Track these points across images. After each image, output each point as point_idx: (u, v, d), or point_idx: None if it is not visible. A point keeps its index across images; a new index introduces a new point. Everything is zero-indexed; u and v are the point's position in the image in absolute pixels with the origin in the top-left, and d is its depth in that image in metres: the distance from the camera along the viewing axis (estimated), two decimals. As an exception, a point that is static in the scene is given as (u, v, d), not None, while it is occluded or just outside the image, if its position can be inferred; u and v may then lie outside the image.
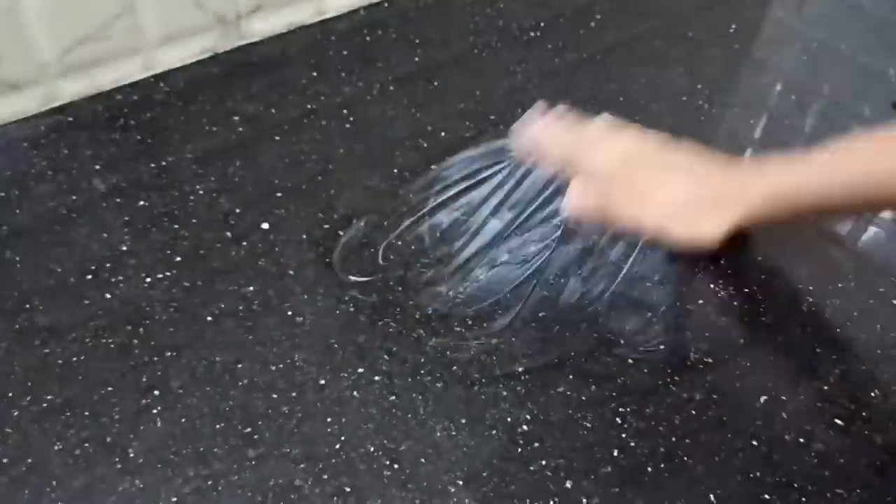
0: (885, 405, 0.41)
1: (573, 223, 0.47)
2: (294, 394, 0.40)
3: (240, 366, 0.41)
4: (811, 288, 0.47)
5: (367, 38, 0.65)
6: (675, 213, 0.44)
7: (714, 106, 0.62)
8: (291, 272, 0.46)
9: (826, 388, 0.42)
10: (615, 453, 0.38)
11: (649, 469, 0.38)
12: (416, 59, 0.63)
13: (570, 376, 0.42)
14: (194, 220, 0.49)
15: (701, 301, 0.46)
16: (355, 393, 0.40)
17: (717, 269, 0.48)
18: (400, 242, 0.48)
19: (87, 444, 0.37)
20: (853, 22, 0.73)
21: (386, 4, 0.69)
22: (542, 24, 0.68)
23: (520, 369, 0.42)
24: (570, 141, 0.48)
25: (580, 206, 0.46)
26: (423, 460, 0.38)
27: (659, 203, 0.44)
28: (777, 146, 0.59)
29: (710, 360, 0.43)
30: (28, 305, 0.43)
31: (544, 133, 0.50)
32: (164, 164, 0.52)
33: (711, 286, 0.47)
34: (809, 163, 0.43)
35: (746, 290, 0.47)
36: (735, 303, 0.46)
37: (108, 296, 0.44)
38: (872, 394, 0.42)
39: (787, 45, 0.69)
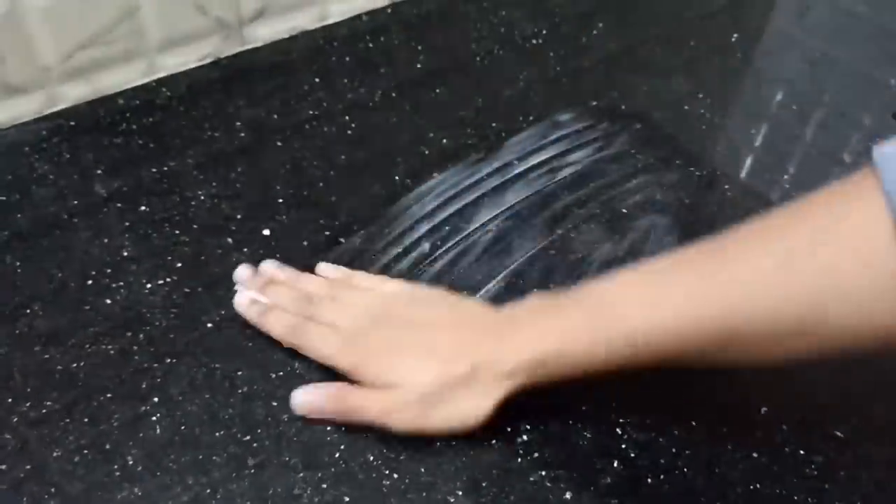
0: (887, 418, 0.41)
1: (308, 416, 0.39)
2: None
3: (240, 373, 0.41)
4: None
5: (370, 45, 0.65)
6: (427, 398, 0.37)
7: (715, 115, 0.62)
8: (292, 279, 0.46)
9: (827, 400, 0.42)
10: (615, 464, 0.38)
11: (649, 481, 0.38)
12: (419, 65, 0.63)
13: (570, 387, 0.42)
14: (195, 226, 0.49)
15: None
16: (355, 401, 0.40)
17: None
18: (400, 250, 0.48)
19: (85, 451, 0.37)
20: (854, 31, 0.73)
21: (388, 11, 0.69)
22: (544, 32, 0.68)
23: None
24: (294, 309, 0.42)
25: (316, 405, 0.39)
26: (422, 470, 0.37)
27: (405, 392, 0.37)
28: (778, 155, 0.59)
29: (711, 373, 0.43)
30: (28, 310, 0.43)
31: (268, 295, 0.43)
32: (165, 169, 0.52)
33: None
34: (586, 307, 0.37)
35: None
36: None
37: (109, 301, 0.44)
38: (874, 406, 0.42)
39: (789, 55, 0.69)
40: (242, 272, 0.45)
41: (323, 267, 0.46)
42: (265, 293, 0.43)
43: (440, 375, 0.37)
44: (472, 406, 0.37)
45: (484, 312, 0.41)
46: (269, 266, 0.45)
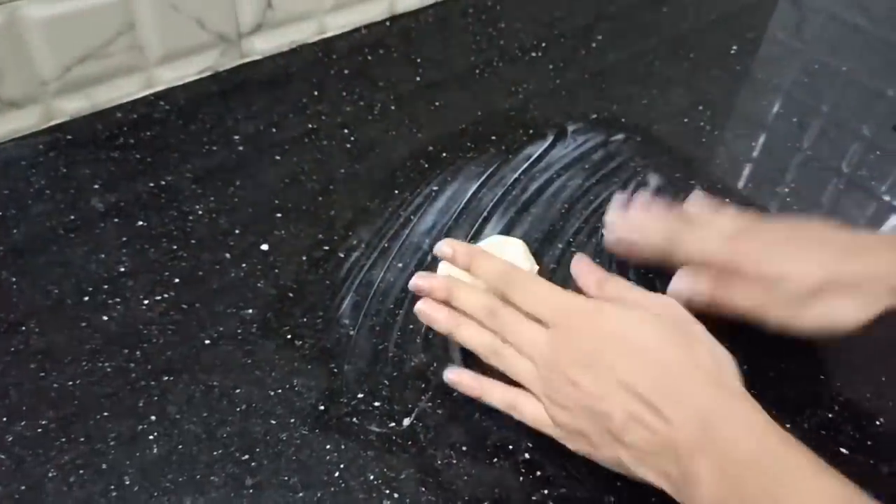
0: (891, 433, 0.41)
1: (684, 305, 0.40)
2: (293, 420, 0.39)
3: (238, 390, 0.41)
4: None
5: (369, 58, 0.65)
6: (808, 294, 0.38)
7: (715, 126, 0.62)
8: (291, 294, 0.46)
9: (830, 416, 0.42)
10: (618, 483, 0.38)
11: (653, 499, 0.37)
12: (418, 78, 0.63)
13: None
14: (193, 241, 0.48)
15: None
16: (355, 419, 0.40)
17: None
18: (400, 264, 0.48)
19: (81, 471, 0.37)
20: (852, 42, 0.73)
21: (387, 24, 0.69)
22: (544, 44, 0.68)
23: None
24: (670, 223, 0.44)
25: (692, 293, 0.41)
26: (423, 489, 0.37)
27: (788, 283, 0.38)
28: (776, 166, 0.59)
29: (713, 387, 0.42)
30: (24, 327, 0.43)
31: (641, 217, 0.45)
32: (163, 183, 0.52)
33: (713, 313, 0.47)
34: None
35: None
36: (737, 330, 0.46)
37: (105, 318, 0.44)
38: (878, 422, 0.41)
39: (787, 66, 0.69)
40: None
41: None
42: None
43: (829, 268, 0.38)
44: (856, 309, 0.38)
45: (859, 233, 0.41)
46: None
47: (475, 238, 0.50)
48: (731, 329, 0.46)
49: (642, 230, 0.45)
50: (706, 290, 0.41)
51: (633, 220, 0.46)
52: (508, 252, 0.45)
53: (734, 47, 0.71)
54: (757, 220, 0.43)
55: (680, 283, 0.42)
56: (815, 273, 0.38)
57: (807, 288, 0.38)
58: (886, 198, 0.57)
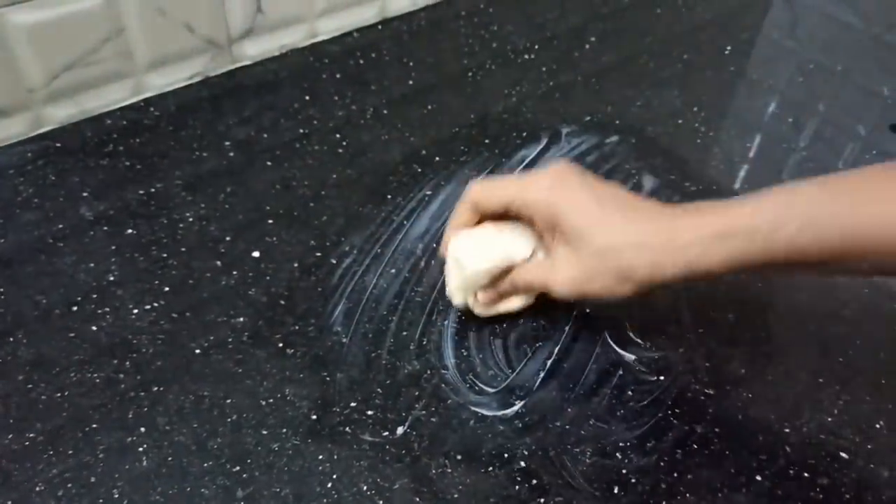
0: (891, 437, 0.40)
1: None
2: (285, 430, 0.39)
3: (229, 401, 0.40)
4: (813, 316, 0.47)
5: (360, 61, 0.65)
6: (583, 276, 0.39)
7: (710, 127, 0.61)
8: (283, 302, 0.45)
9: (830, 419, 0.41)
10: (615, 490, 0.37)
11: (651, 506, 0.37)
12: (410, 81, 0.63)
13: (568, 410, 0.41)
14: (183, 249, 0.48)
15: (701, 331, 0.45)
16: (348, 429, 0.39)
17: (717, 297, 0.47)
18: (393, 270, 0.47)
19: (69, 484, 0.36)
20: (846, 41, 0.73)
21: (379, 27, 0.69)
22: (537, 47, 0.68)
23: (517, 404, 0.41)
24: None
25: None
26: (417, 499, 0.36)
27: (559, 259, 0.40)
28: (772, 166, 0.58)
29: (711, 392, 0.42)
30: (11, 338, 0.42)
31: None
32: (153, 190, 0.52)
33: (711, 314, 0.46)
34: (749, 209, 0.36)
35: (747, 318, 0.46)
36: (736, 332, 0.45)
37: (94, 328, 0.43)
38: (878, 425, 0.41)
39: (782, 66, 0.69)
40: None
41: None
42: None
43: (600, 233, 0.38)
44: (623, 283, 0.38)
45: (652, 205, 0.40)
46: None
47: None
48: (731, 329, 0.45)
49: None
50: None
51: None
52: (507, 230, 0.45)
53: (728, 48, 0.70)
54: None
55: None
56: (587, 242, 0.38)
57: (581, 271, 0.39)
58: (883, 198, 0.56)
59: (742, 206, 0.36)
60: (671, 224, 0.37)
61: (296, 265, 0.47)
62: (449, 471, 0.37)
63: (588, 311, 0.46)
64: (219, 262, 0.47)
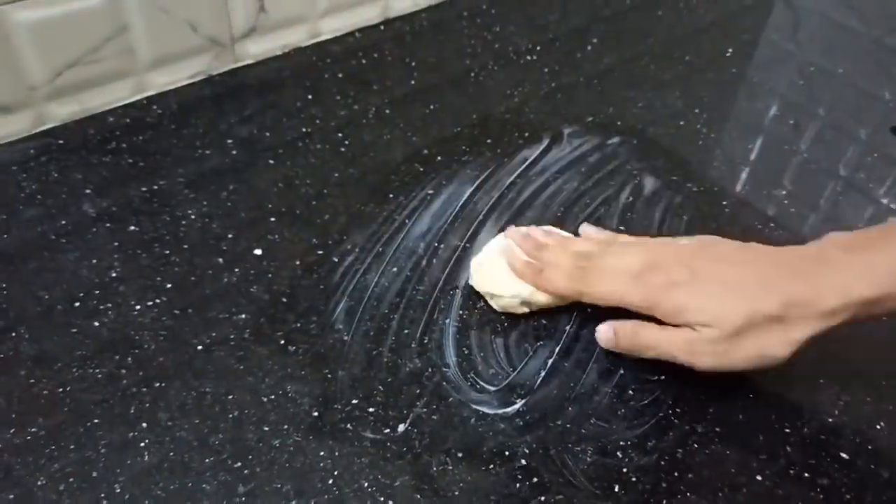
0: (892, 438, 0.40)
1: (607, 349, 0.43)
2: (286, 426, 0.39)
3: (231, 397, 0.40)
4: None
5: (363, 61, 0.65)
6: (733, 336, 0.37)
7: (711, 129, 0.62)
8: (285, 300, 0.45)
9: (830, 420, 0.41)
10: (616, 489, 0.37)
11: (651, 505, 0.37)
12: (412, 81, 0.63)
13: (569, 408, 0.41)
14: (186, 246, 0.48)
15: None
16: (349, 425, 0.39)
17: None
18: (395, 269, 0.48)
19: (71, 479, 0.36)
20: (848, 44, 0.73)
21: (381, 27, 0.69)
22: (538, 48, 0.68)
23: (518, 402, 0.41)
24: (568, 271, 0.43)
25: (611, 344, 0.42)
26: (418, 496, 0.36)
27: (711, 331, 0.37)
28: (773, 169, 0.59)
29: (712, 392, 0.42)
30: (13, 333, 0.42)
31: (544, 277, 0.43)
32: (155, 187, 0.52)
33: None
34: (890, 251, 0.36)
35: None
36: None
37: (96, 324, 0.43)
38: (878, 426, 0.41)
39: (783, 68, 0.69)
40: (514, 234, 0.46)
41: (586, 228, 0.47)
42: (539, 257, 0.44)
43: (749, 314, 0.37)
44: (779, 343, 0.37)
45: (782, 250, 0.39)
46: (537, 231, 0.46)
47: (472, 241, 0.50)
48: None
49: (545, 284, 0.43)
50: (623, 342, 0.41)
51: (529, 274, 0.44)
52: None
53: (730, 50, 0.70)
54: (654, 249, 0.41)
55: (599, 335, 0.43)
56: (737, 315, 0.37)
57: (730, 332, 0.37)
58: (884, 200, 0.57)
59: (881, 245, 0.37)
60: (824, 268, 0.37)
61: (298, 263, 0.47)
62: (450, 468, 0.38)
63: (589, 310, 0.46)
64: (221, 260, 0.47)
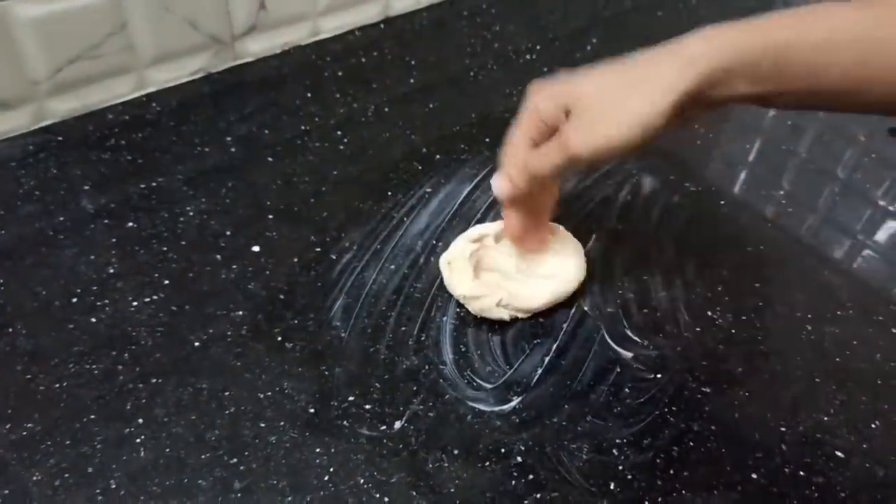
0: (887, 436, 0.40)
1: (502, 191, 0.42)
2: (282, 423, 0.39)
3: (227, 393, 0.40)
4: (809, 316, 0.47)
5: (363, 60, 0.65)
6: (596, 116, 0.37)
7: (709, 129, 0.62)
8: (282, 296, 0.45)
9: (826, 419, 0.41)
10: (611, 486, 0.37)
11: (646, 502, 0.37)
12: (412, 80, 0.63)
13: (566, 406, 0.41)
14: (184, 242, 0.48)
15: (698, 330, 0.45)
16: (346, 422, 0.39)
17: (715, 296, 0.47)
18: (393, 266, 0.48)
19: (67, 475, 0.36)
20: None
21: (381, 26, 0.69)
22: (538, 48, 0.68)
23: (515, 399, 0.41)
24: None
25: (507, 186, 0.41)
26: (414, 493, 0.36)
27: (580, 102, 0.38)
28: (772, 170, 0.59)
29: (707, 390, 0.42)
30: (10, 329, 0.42)
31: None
32: (154, 184, 0.52)
33: (708, 314, 0.46)
34: (771, 20, 0.35)
35: (744, 317, 0.46)
36: (733, 331, 0.45)
37: (94, 320, 0.43)
38: (873, 425, 0.41)
39: (782, 70, 0.69)
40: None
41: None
42: (510, 160, 0.42)
43: (611, 77, 0.37)
44: (649, 102, 0.36)
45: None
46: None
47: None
48: (727, 328, 0.45)
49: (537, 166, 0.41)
50: (517, 179, 0.41)
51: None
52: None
53: (729, 51, 0.70)
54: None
55: (494, 189, 0.43)
56: (597, 88, 0.38)
57: (594, 103, 0.37)
58: (882, 202, 0.57)
59: (752, 23, 0.36)
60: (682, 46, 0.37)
61: (295, 260, 0.47)
62: (446, 465, 0.38)
63: (586, 308, 0.46)
64: (219, 257, 0.47)
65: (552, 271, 0.46)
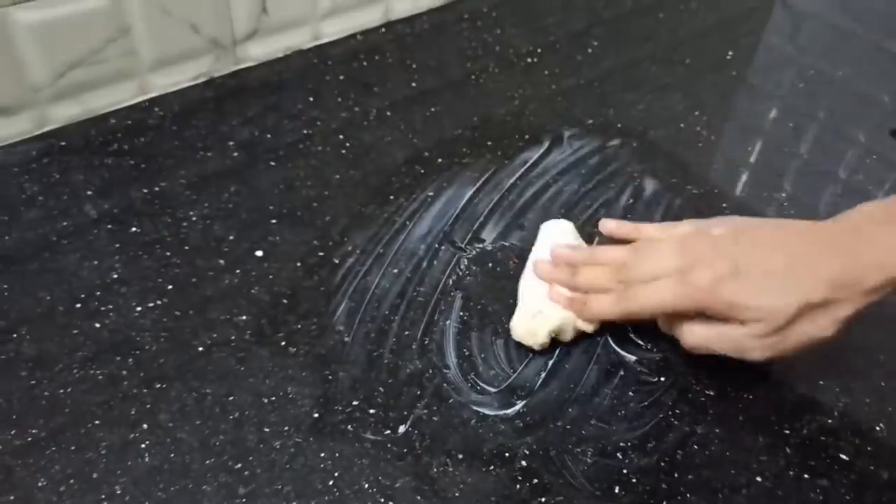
0: (891, 439, 0.41)
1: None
2: (287, 428, 0.39)
3: (231, 398, 0.40)
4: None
5: (364, 63, 0.65)
6: (785, 326, 0.37)
7: (711, 132, 0.62)
8: (285, 301, 0.45)
9: (830, 422, 0.41)
10: (616, 490, 0.37)
11: (651, 506, 0.37)
12: (413, 84, 0.63)
13: (570, 410, 0.41)
14: (187, 247, 0.48)
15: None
16: (349, 427, 0.39)
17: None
18: (395, 270, 0.48)
19: (72, 480, 0.36)
20: (847, 48, 0.74)
21: (383, 30, 0.69)
22: (539, 51, 0.68)
23: (519, 403, 0.41)
24: (609, 286, 0.42)
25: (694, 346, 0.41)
26: (418, 497, 0.37)
27: (763, 324, 0.38)
28: (773, 171, 0.59)
29: (711, 393, 0.42)
30: (14, 335, 0.42)
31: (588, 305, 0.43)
32: (156, 189, 0.52)
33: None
34: None
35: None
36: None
37: (97, 325, 0.43)
38: (877, 427, 0.41)
39: (783, 72, 0.69)
40: (544, 269, 0.44)
41: (607, 224, 0.47)
42: (576, 285, 0.43)
43: (799, 306, 0.37)
44: (826, 325, 0.37)
45: (817, 226, 0.39)
46: (563, 251, 0.45)
47: (472, 243, 0.50)
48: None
49: (594, 314, 0.43)
50: (686, 343, 0.41)
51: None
52: (559, 230, 0.47)
53: (730, 53, 0.71)
54: (690, 244, 0.40)
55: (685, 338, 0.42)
56: (789, 307, 0.37)
57: (782, 324, 0.37)
58: (883, 203, 0.57)
59: None
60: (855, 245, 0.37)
61: (298, 264, 0.47)
62: (450, 469, 0.38)
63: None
64: (222, 261, 0.47)
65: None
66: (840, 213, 0.40)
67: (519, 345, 0.44)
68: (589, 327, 0.43)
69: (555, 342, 0.43)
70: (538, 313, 0.43)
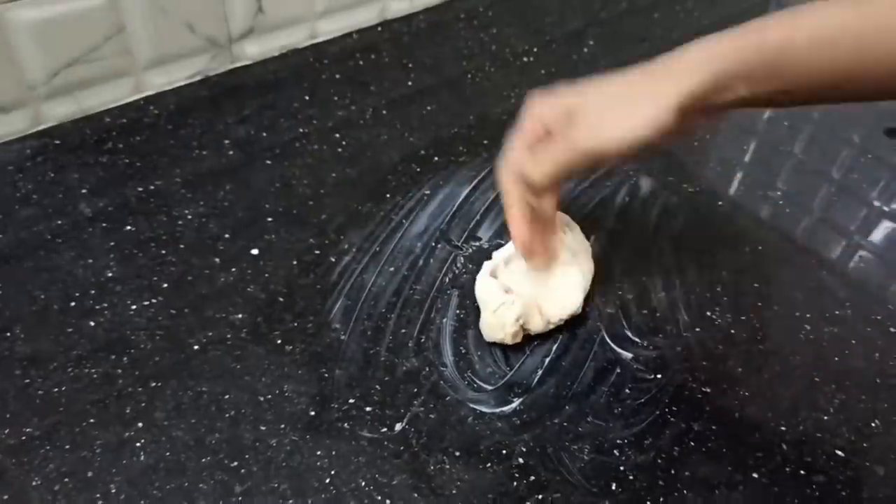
0: (887, 435, 0.41)
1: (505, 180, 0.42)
2: (283, 426, 0.39)
3: (227, 396, 0.40)
4: (808, 316, 0.47)
5: (360, 62, 0.65)
6: (603, 116, 0.38)
7: (706, 131, 0.62)
8: (281, 299, 0.45)
9: (826, 418, 0.41)
10: (613, 487, 0.37)
11: (647, 503, 0.37)
12: (409, 82, 0.63)
13: (566, 407, 0.41)
14: (182, 246, 0.48)
15: (698, 330, 0.45)
16: (346, 425, 0.39)
17: (714, 297, 0.47)
18: (392, 268, 0.48)
19: (66, 479, 0.36)
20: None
21: (379, 28, 0.69)
22: (535, 50, 0.69)
23: (515, 401, 0.41)
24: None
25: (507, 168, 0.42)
26: (415, 495, 0.36)
27: (587, 118, 0.39)
28: (767, 170, 0.59)
29: (707, 390, 0.42)
30: (9, 333, 0.42)
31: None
32: (152, 187, 0.52)
33: (708, 314, 0.46)
34: (765, 23, 0.37)
35: (743, 318, 0.46)
36: (732, 331, 0.46)
37: (92, 323, 0.43)
38: (873, 424, 0.41)
39: (778, 72, 0.70)
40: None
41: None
42: (514, 168, 0.42)
43: (615, 85, 0.39)
44: (655, 104, 0.37)
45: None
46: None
47: (468, 241, 0.50)
48: (727, 328, 0.46)
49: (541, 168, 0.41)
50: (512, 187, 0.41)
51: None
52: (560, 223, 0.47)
53: (725, 53, 0.71)
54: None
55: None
56: (610, 93, 0.39)
57: (593, 107, 0.39)
58: (877, 203, 0.57)
59: (746, 28, 0.37)
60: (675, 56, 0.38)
61: (295, 263, 0.47)
62: (447, 467, 0.38)
63: (587, 308, 0.46)
64: (217, 260, 0.47)
65: (568, 269, 0.45)
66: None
67: (515, 343, 0.44)
68: (554, 315, 0.43)
69: (528, 337, 0.43)
70: (500, 305, 0.43)
